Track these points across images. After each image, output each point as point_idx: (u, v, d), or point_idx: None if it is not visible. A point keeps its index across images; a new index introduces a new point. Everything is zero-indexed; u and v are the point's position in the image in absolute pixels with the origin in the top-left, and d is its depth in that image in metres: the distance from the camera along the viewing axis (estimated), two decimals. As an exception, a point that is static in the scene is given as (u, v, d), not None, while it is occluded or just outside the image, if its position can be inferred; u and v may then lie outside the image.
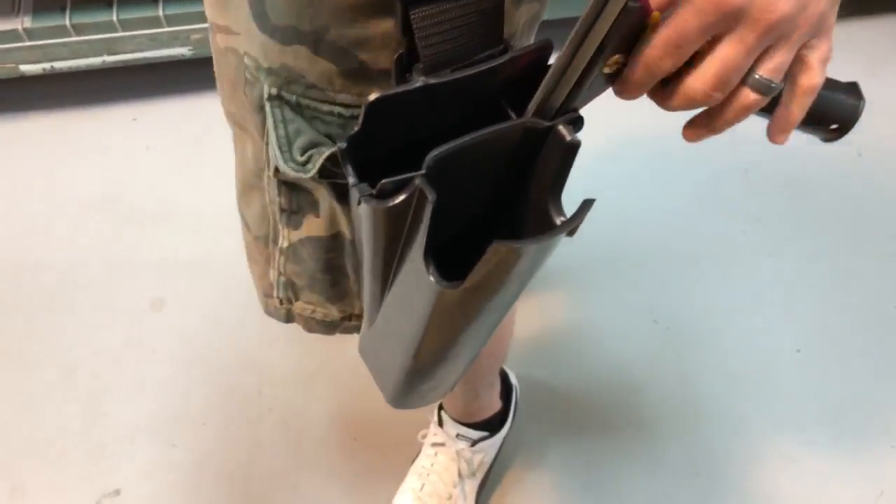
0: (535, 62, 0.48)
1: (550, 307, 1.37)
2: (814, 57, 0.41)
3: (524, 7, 0.54)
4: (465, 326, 0.51)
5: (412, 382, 0.61)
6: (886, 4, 1.78)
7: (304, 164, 0.54)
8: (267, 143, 0.56)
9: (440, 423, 1.13)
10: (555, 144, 0.46)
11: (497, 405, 1.15)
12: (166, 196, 1.50)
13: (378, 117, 0.46)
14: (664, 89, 0.44)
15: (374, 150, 0.46)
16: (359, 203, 0.45)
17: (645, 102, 0.47)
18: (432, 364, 0.57)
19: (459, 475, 1.12)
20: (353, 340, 1.22)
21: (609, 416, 1.27)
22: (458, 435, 1.11)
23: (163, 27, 1.43)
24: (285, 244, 0.64)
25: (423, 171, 0.43)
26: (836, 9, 0.40)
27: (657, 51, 0.40)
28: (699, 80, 0.41)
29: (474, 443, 1.11)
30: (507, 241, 0.41)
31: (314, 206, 0.60)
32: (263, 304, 0.74)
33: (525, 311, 1.36)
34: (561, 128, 0.46)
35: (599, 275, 1.41)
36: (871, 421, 1.27)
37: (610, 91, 0.47)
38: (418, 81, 0.46)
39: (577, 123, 0.47)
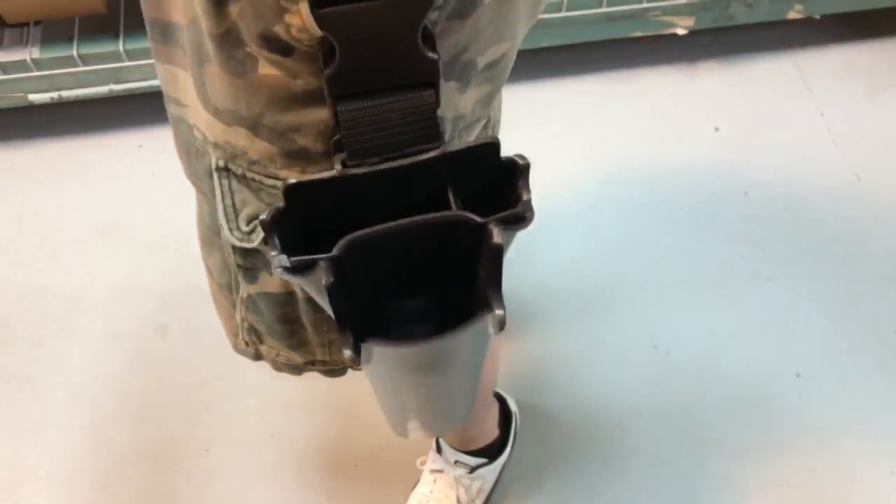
0: (479, 157, 0.49)
1: (549, 332, 1.38)
2: None
3: (472, 90, 0.54)
4: (411, 395, 0.52)
5: (399, 419, 0.62)
6: (886, 28, 1.79)
7: (249, 233, 0.56)
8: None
9: (438, 450, 1.14)
10: (487, 242, 0.46)
11: (494, 433, 1.16)
12: (171, 222, 1.52)
13: (298, 199, 0.47)
14: None
15: (303, 224, 0.48)
16: (277, 272, 0.46)
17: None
18: (404, 413, 0.59)
19: (458, 502, 1.13)
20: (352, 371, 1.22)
21: (609, 442, 1.28)
22: (456, 462, 1.12)
23: (168, 57, 1.45)
24: (245, 295, 0.66)
25: (331, 254, 0.44)
26: None
27: None
28: None
29: (473, 469, 1.12)
30: (380, 339, 0.42)
31: (267, 265, 0.61)
32: (233, 343, 0.76)
33: (523, 337, 1.37)
34: (491, 226, 0.45)
35: (598, 300, 1.42)
36: (871, 446, 1.27)
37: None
38: (336, 171, 0.47)
39: (522, 221, 0.46)
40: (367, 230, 0.45)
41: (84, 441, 1.28)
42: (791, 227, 1.52)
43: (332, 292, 0.43)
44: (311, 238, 0.47)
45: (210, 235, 0.65)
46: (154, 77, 1.47)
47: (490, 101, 0.59)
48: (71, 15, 1.42)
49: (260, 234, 0.55)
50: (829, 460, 1.26)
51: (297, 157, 0.51)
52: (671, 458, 1.26)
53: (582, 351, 1.37)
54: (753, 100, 1.70)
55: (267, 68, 0.47)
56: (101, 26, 1.46)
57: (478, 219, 0.46)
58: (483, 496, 1.16)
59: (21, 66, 1.42)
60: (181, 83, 0.56)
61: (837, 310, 1.42)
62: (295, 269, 0.44)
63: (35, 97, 1.48)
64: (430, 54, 0.44)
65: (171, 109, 0.60)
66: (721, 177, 1.60)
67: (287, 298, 0.63)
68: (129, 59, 1.45)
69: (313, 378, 1.33)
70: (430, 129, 0.48)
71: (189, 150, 0.59)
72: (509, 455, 1.19)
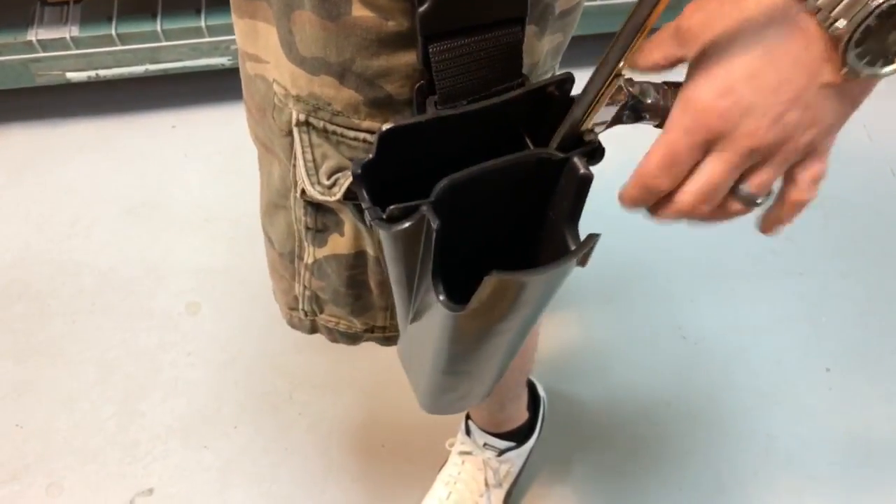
0: (555, 94, 0.49)
1: (578, 321, 1.38)
2: (804, 176, 0.43)
3: (547, 38, 0.55)
4: (480, 346, 0.53)
5: (439, 391, 0.63)
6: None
7: (331, 187, 0.56)
8: (294, 166, 0.58)
9: (467, 432, 1.14)
10: (570, 176, 0.48)
11: (524, 416, 1.16)
12: (203, 202, 1.54)
13: (391, 146, 0.48)
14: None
15: (390, 175, 0.48)
16: (369, 226, 0.47)
17: None
18: (456, 377, 0.59)
19: (486, 484, 1.13)
20: (381, 349, 1.24)
21: (636, 430, 1.28)
22: (485, 444, 1.13)
23: (204, 37, 1.47)
24: (310, 260, 0.66)
25: (430, 199, 0.45)
26: (836, 133, 0.41)
27: (653, 170, 0.42)
28: (687, 194, 0.43)
29: (501, 452, 1.13)
30: (503, 271, 0.42)
31: (339, 226, 0.62)
32: (287, 316, 0.76)
33: (553, 325, 1.37)
34: (576, 160, 0.47)
35: (628, 289, 1.42)
36: (900, 443, 1.26)
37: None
38: (430, 113, 0.48)
39: (596, 155, 0.48)
40: (463, 172, 0.46)
41: (115, 415, 1.30)
42: (823, 223, 1.51)
43: (438, 237, 0.43)
44: (383, 193, 0.47)
45: (277, 199, 0.64)
46: (189, 58, 1.49)
47: (559, 51, 0.59)
48: (110, -6, 1.44)
49: (342, 188, 0.55)
50: (858, 456, 1.25)
51: (381, 105, 0.52)
52: (697, 448, 1.26)
53: (611, 340, 1.37)
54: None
55: (360, 10, 0.47)
56: (139, 6, 1.48)
57: (561, 154, 0.46)
58: (510, 479, 1.16)
59: (60, 44, 1.44)
60: (261, 38, 0.56)
61: (868, 306, 1.40)
62: (391, 219, 0.45)
63: (73, 75, 1.50)
64: None
65: (248, 67, 0.60)
66: (753, 170, 1.59)
67: (356, 260, 0.64)
68: (167, 40, 1.46)
69: (340, 359, 1.34)
70: (515, 66, 0.49)
71: (265, 108, 0.59)
72: (537, 440, 1.20)
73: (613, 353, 1.35)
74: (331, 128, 0.54)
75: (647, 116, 0.47)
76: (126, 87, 1.63)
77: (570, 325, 1.38)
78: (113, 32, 1.44)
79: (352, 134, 0.54)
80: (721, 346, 1.36)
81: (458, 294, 0.46)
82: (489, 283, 0.42)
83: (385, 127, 0.47)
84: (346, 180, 0.55)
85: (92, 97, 1.66)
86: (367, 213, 0.46)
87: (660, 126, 0.48)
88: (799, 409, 1.30)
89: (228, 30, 1.47)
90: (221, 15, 1.46)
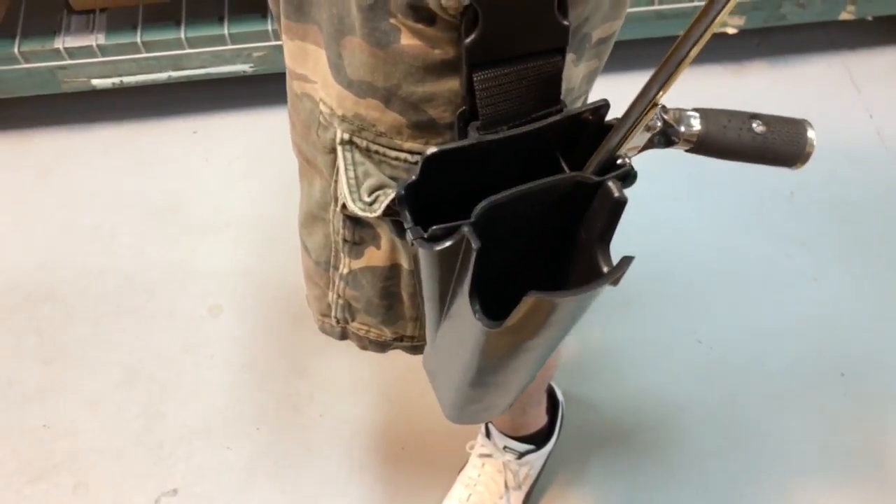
0: (590, 119, 0.52)
1: (595, 325, 1.40)
2: None
3: (583, 65, 0.57)
4: (511, 360, 0.55)
5: (465, 402, 0.65)
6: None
7: (371, 203, 0.58)
8: (336, 182, 0.60)
9: (487, 435, 1.16)
10: (604, 199, 0.50)
11: (543, 420, 1.18)
12: (224, 206, 1.56)
13: (434, 168, 0.50)
14: None
15: (430, 196, 0.50)
16: (412, 244, 0.49)
17: None
18: (483, 389, 0.61)
19: (506, 486, 1.15)
20: (402, 353, 1.26)
21: (652, 434, 1.29)
22: (505, 447, 1.14)
23: (227, 45, 1.49)
24: (345, 271, 0.68)
25: (471, 220, 0.47)
26: None
27: None
28: None
29: (521, 455, 1.14)
30: (541, 292, 0.44)
31: (375, 240, 0.64)
32: (319, 322, 0.78)
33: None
34: (610, 184, 0.49)
35: (644, 294, 1.43)
36: (915, 448, 1.27)
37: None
38: (473, 138, 0.50)
39: (629, 178, 0.50)
40: (503, 194, 0.48)
41: (139, 416, 1.32)
42: (838, 228, 1.52)
43: (477, 257, 0.45)
44: (422, 212, 0.49)
45: (317, 211, 0.67)
46: (211, 65, 1.52)
47: (594, 77, 0.62)
48: (136, 3, 1.46)
49: (382, 204, 0.57)
50: (875, 461, 1.26)
51: (423, 128, 0.54)
52: (714, 453, 1.27)
53: (627, 344, 1.38)
54: (801, 100, 1.70)
55: (409, 38, 0.49)
56: (163, 14, 1.50)
57: (596, 178, 0.49)
58: (529, 482, 1.18)
59: (87, 51, 1.46)
60: (311, 59, 0.58)
61: (883, 311, 1.42)
62: (431, 238, 0.47)
63: (98, 82, 1.52)
64: (564, 21, 0.47)
65: (295, 86, 0.62)
66: (767, 176, 1.60)
67: (390, 272, 0.66)
68: (190, 47, 1.49)
69: (361, 362, 1.36)
70: (554, 93, 0.51)
71: (310, 125, 0.61)
72: (555, 443, 1.21)
73: (629, 357, 1.37)
74: (373, 147, 0.56)
75: (678, 141, 0.49)
76: (149, 94, 1.66)
77: (586, 330, 1.39)
78: (138, 40, 1.46)
79: (393, 154, 0.56)
80: (736, 350, 1.38)
81: (489, 309, 0.48)
82: (527, 303, 0.44)
83: (430, 151, 0.49)
84: (385, 198, 0.57)
85: (116, 103, 1.69)
86: (409, 232, 0.48)
87: (691, 151, 0.50)
88: (814, 413, 1.31)
89: (250, 38, 1.49)
90: (244, 23, 1.49)
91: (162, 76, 1.54)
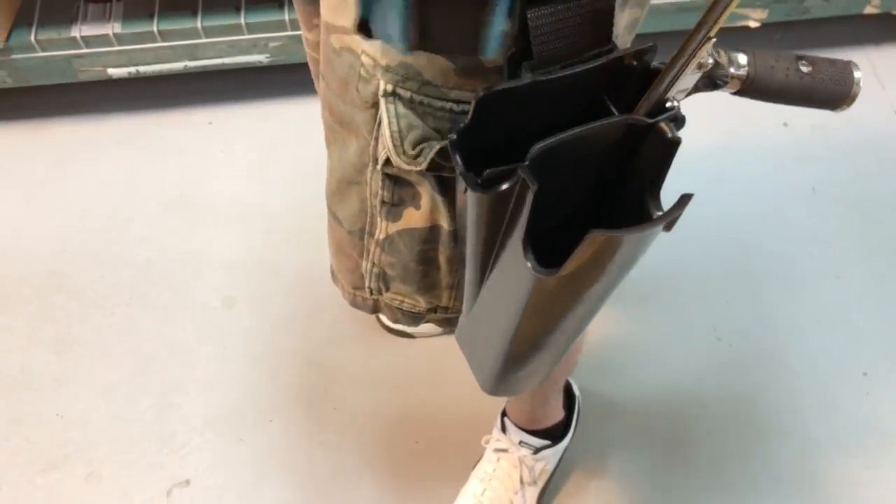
0: (639, 62, 0.50)
1: (613, 320, 1.38)
2: None
3: (627, 11, 0.56)
4: (561, 314, 0.54)
5: (508, 369, 0.63)
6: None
7: (416, 157, 0.57)
8: (375, 139, 0.59)
9: (503, 429, 1.15)
10: (656, 141, 0.49)
11: (560, 414, 1.16)
12: (239, 197, 1.55)
13: (487, 111, 0.49)
14: None
15: (480, 143, 0.49)
16: (465, 191, 0.48)
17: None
18: (529, 350, 0.60)
19: (521, 482, 1.13)
20: (418, 345, 1.25)
21: (669, 431, 1.28)
22: (521, 442, 1.13)
23: (243, 35, 1.48)
24: (382, 236, 0.67)
25: (526, 163, 0.46)
26: None
27: None
28: None
29: (537, 450, 1.13)
30: (605, 229, 0.43)
31: (415, 199, 0.63)
32: (350, 296, 0.77)
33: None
34: (663, 125, 0.48)
35: (663, 289, 1.41)
36: (939, 449, 1.25)
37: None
38: (527, 77, 0.49)
39: (679, 121, 0.49)
40: (557, 137, 0.46)
41: (152, 406, 1.31)
42: (860, 226, 1.50)
43: (533, 200, 0.44)
44: (470, 161, 0.48)
45: (352, 175, 0.65)
46: (227, 55, 1.51)
47: (634, 28, 0.61)
48: (152, -9, 1.46)
49: (427, 158, 0.56)
50: (895, 460, 1.24)
51: (470, 73, 0.53)
52: (732, 450, 1.25)
53: (645, 340, 1.36)
54: (824, 95, 1.67)
55: None
56: (180, 4, 1.49)
57: (648, 120, 0.48)
58: (545, 478, 1.16)
59: (103, 40, 1.46)
60: (350, 9, 0.57)
61: (907, 310, 1.39)
62: (486, 184, 0.46)
63: (114, 71, 1.52)
64: None
65: (333, 40, 0.60)
66: (789, 172, 1.58)
67: (429, 234, 0.65)
68: (206, 37, 1.48)
69: (375, 354, 1.35)
70: (606, 33, 0.49)
71: (349, 81, 0.60)
72: (571, 439, 1.20)
73: (648, 354, 1.35)
74: (417, 98, 0.55)
75: (726, 83, 0.48)
76: (165, 83, 1.65)
77: (604, 325, 1.38)
78: (154, 29, 1.46)
79: (438, 104, 0.55)
80: (756, 347, 1.36)
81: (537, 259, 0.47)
82: (592, 240, 0.43)
83: (482, 90, 0.48)
84: (430, 151, 0.56)
85: (131, 93, 1.68)
86: (461, 178, 0.47)
87: (738, 93, 0.49)
88: (835, 412, 1.29)
89: (267, 27, 1.48)
90: (260, 13, 1.48)
91: (178, 66, 1.53)
